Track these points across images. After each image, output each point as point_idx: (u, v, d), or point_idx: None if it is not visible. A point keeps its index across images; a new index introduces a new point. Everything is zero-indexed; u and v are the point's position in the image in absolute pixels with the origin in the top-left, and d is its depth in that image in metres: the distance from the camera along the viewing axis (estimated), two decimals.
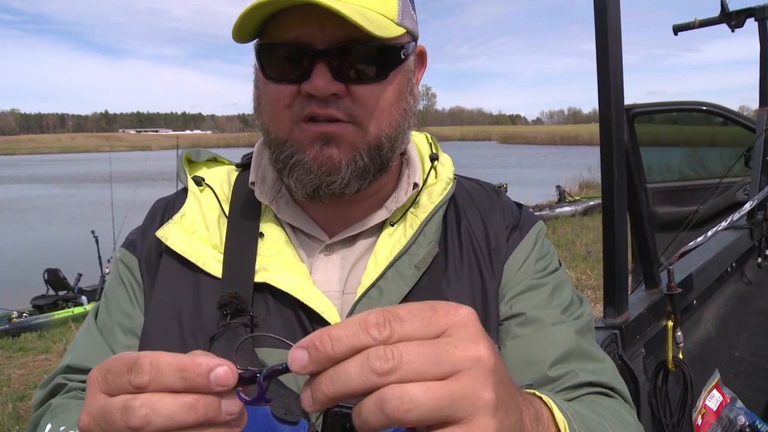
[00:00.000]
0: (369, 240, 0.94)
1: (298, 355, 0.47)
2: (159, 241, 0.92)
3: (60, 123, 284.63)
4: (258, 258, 0.89)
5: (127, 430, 0.47)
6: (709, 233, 2.77)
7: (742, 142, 5.23)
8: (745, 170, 4.14)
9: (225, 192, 0.98)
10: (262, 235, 0.92)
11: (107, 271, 9.72)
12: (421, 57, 0.95)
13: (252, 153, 1.01)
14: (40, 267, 10.50)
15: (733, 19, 3.12)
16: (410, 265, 0.88)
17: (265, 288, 0.87)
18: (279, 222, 0.94)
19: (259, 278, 0.87)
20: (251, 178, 0.96)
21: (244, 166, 1.02)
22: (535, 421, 0.59)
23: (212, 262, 0.90)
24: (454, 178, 0.99)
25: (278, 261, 0.89)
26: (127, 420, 0.47)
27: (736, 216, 2.72)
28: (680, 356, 1.94)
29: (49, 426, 0.82)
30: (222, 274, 0.89)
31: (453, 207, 0.97)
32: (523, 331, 0.89)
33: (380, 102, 0.83)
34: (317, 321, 0.84)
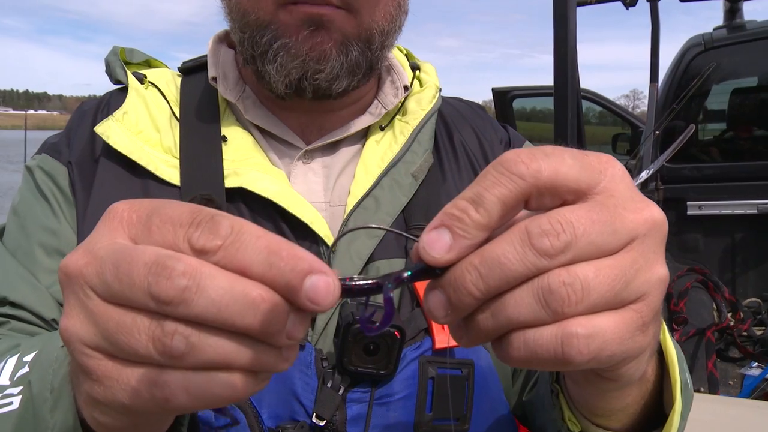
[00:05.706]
0: (353, 147, 0.83)
1: (433, 237, 0.34)
2: (93, 142, 0.77)
3: None
4: (225, 163, 0.75)
5: (147, 299, 0.32)
6: None
7: (589, 140, 5.74)
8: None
9: (173, 93, 0.83)
10: (225, 138, 0.77)
11: None
12: None
13: (194, 59, 0.87)
14: None
15: None
16: (407, 174, 0.78)
17: (237, 196, 0.73)
18: (244, 126, 0.81)
19: (230, 183, 0.72)
20: (211, 74, 0.81)
21: (186, 71, 0.87)
22: None
23: (165, 168, 0.74)
24: (440, 88, 0.90)
25: (251, 165, 0.75)
26: (153, 284, 0.32)
27: (635, 183, 2.85)
28: None
29: None
30: (181, 181, 0.73)
31: (441, 120, 0.89)
32: None
33: None
34: (303, 234, 0.72)
